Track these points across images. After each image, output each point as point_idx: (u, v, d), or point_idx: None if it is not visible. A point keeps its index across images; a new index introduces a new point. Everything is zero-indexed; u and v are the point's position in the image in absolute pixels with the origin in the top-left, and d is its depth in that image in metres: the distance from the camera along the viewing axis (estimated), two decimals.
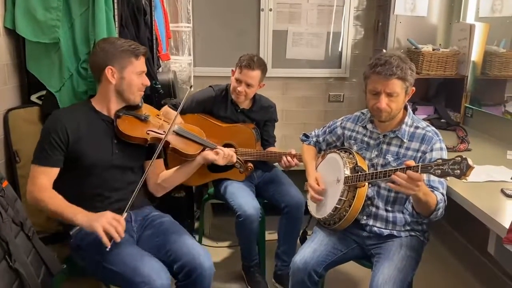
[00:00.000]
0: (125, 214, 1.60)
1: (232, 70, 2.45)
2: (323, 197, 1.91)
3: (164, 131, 1.83)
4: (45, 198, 1.64)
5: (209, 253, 1.73)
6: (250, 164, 2.02)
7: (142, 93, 1.85)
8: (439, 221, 1.75)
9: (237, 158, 1.98)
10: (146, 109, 1.91)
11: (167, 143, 1.82)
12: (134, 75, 1.78)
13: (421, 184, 1.52)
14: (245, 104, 2.52)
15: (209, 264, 1.69)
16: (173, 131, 1.87)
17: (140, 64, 1.79)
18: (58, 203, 1.63)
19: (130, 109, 1.84)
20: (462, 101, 3.00)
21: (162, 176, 1.94)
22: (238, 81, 2.39)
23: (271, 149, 2.55)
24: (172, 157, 2.13)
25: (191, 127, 2.01)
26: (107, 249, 1.52)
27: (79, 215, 1.58)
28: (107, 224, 1.52)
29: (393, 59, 1.69)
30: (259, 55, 3.39)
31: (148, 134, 1.80)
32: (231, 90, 2.46)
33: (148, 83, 1.85)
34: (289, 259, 2.37)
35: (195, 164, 1.90)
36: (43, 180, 1.67)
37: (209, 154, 1.88)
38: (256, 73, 2.38)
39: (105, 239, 1.50)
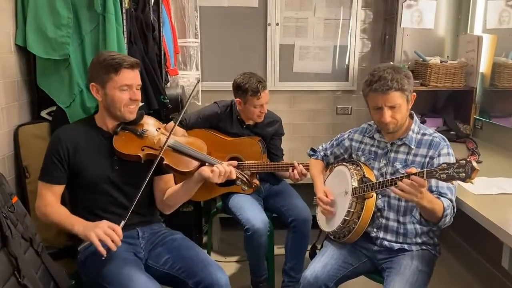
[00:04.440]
0: (122, 223, 1.57)
1: (238, 100, 2.42)
2: (334, 209, 1.89)
3: (160, 147, 1.74)
4: (48, 212, 1.69)
5: (223, 269, 1.70)
6: (255, 181, 1.84)
7: (132, 108, 1.75)
8: (450, 234, 1.72)
9: (240, 174, 1.82)
10: (147, 122, 1.85)
11: (161, 159, 1.73)
12: (116, 91, 1.69)
13: (424, 191, 1.51)
14: (249, 121, 2.53)
15: (225, 280, 1.66)
16: (169, 146, 1.76)
17: (122, 78, 1.68)
18: (59, 215, 1.67)
19: (128, 123, 1.79)
20: (471, 112, 2.98)
21: (167, 193, 1.87)
22: (259, 105, 2.39)
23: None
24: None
25: (191, 140, 1.88)
26: (103, 258, 1.50)
27: (76, 225, 1.60)
28: (102, 233, 1.51)
29: (386, 72, 1.69)
30: (265, 69, 3.46)
31: (143, 150, 1.75)
32: (254, 117, 2.45)
33: (138, 97, 1.74)
34: (296, 275, 2.36)
35: (193, 181, 1.76)
36: (48, 196, 1.71)
37: (204, 171, 1.72)
38: (267, 89, 2.40)
39: (100, 249, 1.49)
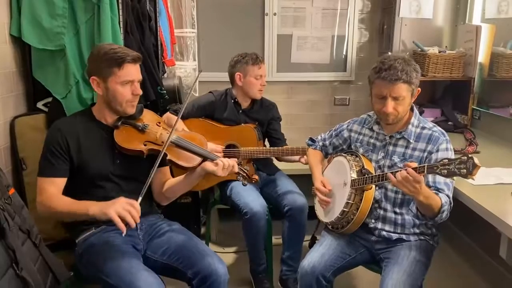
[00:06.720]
0: (139, 199, 1.55)
1: (238, 75, 2.46)
2: (331, 200, 1.89)
3: (162, 142, 1.74)
4: (54, 204, 1.63)
5: (222, 259, 1.71)
6: (255, 176, 1.87)
7: (134, 103, 1.74)
8: (448, 224, 1.73)
9: (240, 169, 1.82)
10: (147, 117, 1.84)
11: (164, 155, 1.72)
12: (118, 86, 1.68)
13: (420, 186, 1.51)
14: (245, 105, 2.55)
15: (223, 270, 1.67)
16: (172, 142, 1.76)
17: (125, 73, 1.67)
18: (68, 204, 1.62)
19: (129, 117, 1.78)
20: (469, 103, 2.98)
21: (167, 185, 1.88)
22: (259, 76, 2.46)
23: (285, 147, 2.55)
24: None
25: (192, 135, 1.90)
26: (123, 235, 1.47)
27: (91, 208, 1.55)
28: (121, 209, 1.48)
29: (397, 62, 1.67)
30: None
31: (145, 145, 1.73)
32: (255, 91, 2.49)
33: (139, 92, 1.73)
34: (294, 264, 2.37)
35: (195, 176, 1.78)
36: (51, 189, 1.66)
37: (208, 165, 1.74)
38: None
39: (120, 225, 1.46)
